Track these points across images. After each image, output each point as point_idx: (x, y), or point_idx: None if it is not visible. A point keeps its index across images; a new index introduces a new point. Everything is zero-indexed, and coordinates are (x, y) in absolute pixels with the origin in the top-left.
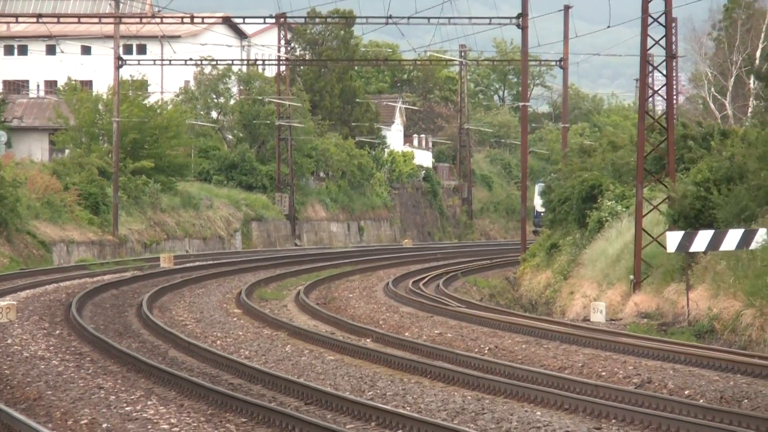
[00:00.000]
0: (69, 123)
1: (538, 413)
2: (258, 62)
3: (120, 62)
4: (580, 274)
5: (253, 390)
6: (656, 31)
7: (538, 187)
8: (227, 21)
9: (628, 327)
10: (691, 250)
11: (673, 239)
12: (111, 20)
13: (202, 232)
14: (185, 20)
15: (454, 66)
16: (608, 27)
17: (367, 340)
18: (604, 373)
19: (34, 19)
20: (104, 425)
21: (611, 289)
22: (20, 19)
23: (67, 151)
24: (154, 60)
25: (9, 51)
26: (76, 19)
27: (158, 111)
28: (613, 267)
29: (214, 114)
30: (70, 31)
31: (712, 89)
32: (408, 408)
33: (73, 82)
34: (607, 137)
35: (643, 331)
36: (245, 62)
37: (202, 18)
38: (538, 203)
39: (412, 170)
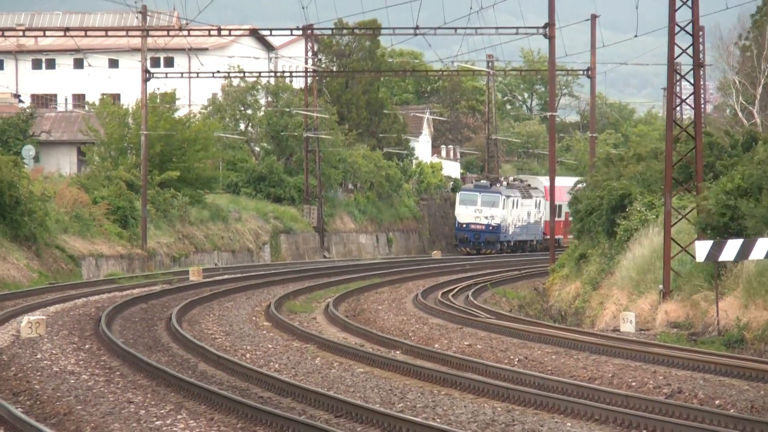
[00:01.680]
0: (100, 136)
1: (569, 424)
2: (285, 74)
3: (147, 75)
4: (609, 284)
5: (282, 403)
6: (683, 40)
7: (459, 196)
8: (254, 33)
9: (658, 337)
10: (720, 259)
11: (702, 248)
12: (138, 33)
13: (231, 244)
14: (212, 33)
15: (481, 76)
16: (635, 36)
17: (397, 352)
18: (634, 384)
19: (62, 33)
20: None
21: (641, 299)
22: (48, 33)
23: (94, 163)
24: (182, 73)
25: (37, 65)
26: (103, 33)
27: (186, 124)
28: (643, 277)
29: (242, 126)
30: (97, 45)
31: (740, 98)
32: (438, 420)
33: (106, 97)
34: (633, 149)
35: (673, 340)
36: (272, 74)
37: (229, 30)
38: (460, 213)
39: (441, 181)
